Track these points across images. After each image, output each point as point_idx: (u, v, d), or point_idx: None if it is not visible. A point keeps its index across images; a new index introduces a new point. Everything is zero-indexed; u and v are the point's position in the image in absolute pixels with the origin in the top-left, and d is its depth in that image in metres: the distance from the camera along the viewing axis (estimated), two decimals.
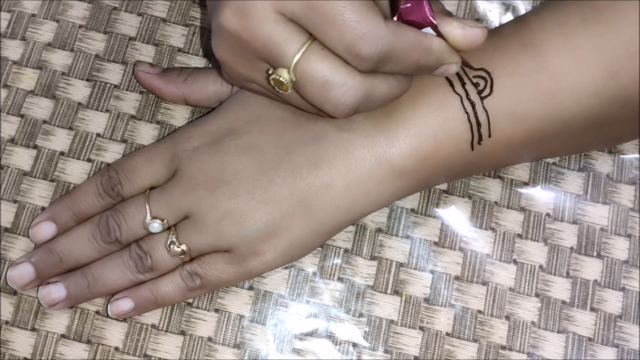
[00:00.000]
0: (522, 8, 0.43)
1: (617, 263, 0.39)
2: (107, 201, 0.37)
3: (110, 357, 0.37)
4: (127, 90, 0.41)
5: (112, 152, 0.40)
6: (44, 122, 0.41)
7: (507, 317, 0.38)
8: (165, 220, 0.36)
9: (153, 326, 0.38)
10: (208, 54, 0.42)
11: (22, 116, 0.41)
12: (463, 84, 0.35)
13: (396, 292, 0.39)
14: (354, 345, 0.38)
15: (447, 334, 0.38)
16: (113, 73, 0.41)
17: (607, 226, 0.40)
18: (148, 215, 0.36)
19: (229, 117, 0.37)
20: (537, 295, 0.39)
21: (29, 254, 0.38)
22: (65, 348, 0.37)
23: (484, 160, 0.36)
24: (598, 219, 0.40)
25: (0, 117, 0.40)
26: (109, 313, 0.37)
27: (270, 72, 0.32)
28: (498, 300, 0.39)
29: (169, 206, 0.36)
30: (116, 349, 0.37)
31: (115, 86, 0.41)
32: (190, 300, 0.38)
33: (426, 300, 0.38)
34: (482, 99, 0.34)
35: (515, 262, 0.39)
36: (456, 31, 0.31)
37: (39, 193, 0.39)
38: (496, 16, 0.43)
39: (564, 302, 0.39)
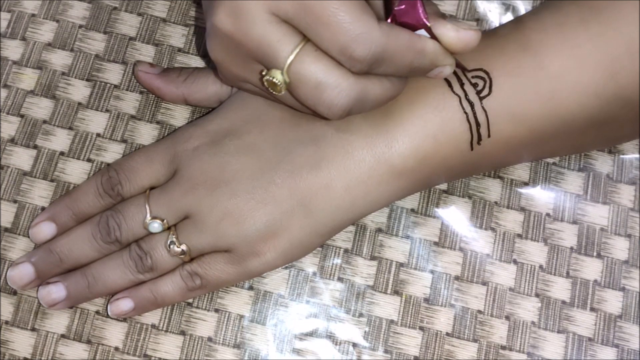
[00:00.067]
0: (522, 8, 0.43)
1: (617, 263, 0.39)
2: (107, 201, 0.37)
3: (110, 357, 0.37)
4: (127, 90, 0.41)
5: (112, 152, 0.40)
6: (44, 122, 0.41)
7: (507, 317, 0.38)
8: (165, 220, 0.36)
9: (153, 326, 0.38)
10: (207, 54, 0.42)
11: (22, 116, 0.41)
12: (462, 85, 0.35)
13: (396, 292, 0.39)
14: (354, 345, 0.38)
15: (447, 334, 0.38)
16: (113, 73, 0.41)
17: (607, 226, 0.40)
18: (148, 215, 0.36)
19: (228, 117, 0.37)
20: (537, 295, 0.39)
21: (29, 254, 0.38)
22: (65, 348, 0.37)
23: (484, 160, 0.36)
24: (598, 219, 0.40)
25: (0, 117, 0.40)
26: (109, 313, 0.37)
27: (263, 73, 0.32)
28: (498, 300, 0.39)
29: (169, 206, 0.36)
30: (116, 349, 0.37)
31: (115, 86, 0.41)
32: (190, 300, 0.38)
33: (426, 300, 0.38)
34: (481, 99, 0.34)
35: (515, 262, 0.39)
36: (450, 33, 0.31)
37: (39, 193, 0.39)
38: (496, 16, 0.43)
39: (564, 302, 0.39)
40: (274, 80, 0.31)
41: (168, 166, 0.37)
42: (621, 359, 0.38)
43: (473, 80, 0.35)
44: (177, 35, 0.42)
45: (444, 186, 0.40)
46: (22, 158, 0.40)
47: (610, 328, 0.38)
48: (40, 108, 0.41)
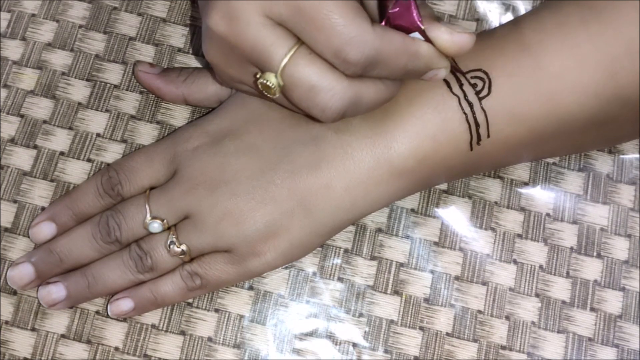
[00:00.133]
0: (522, 8, 0.43)
1: (617, 263, 0.39)
2: (107, 201, 0.37)
3: (110, 357, 0.37)
4: (127, 90, 0.41)
5: (112, 152, 0.40)
6: (44, 122, 0.41)
7: (507, 317, 0.38)
8: (165, 221, 0.36)
9: (153, 326, 0.38)
10: None
11: (22, 116, 0.41)
12: (461, 85, 0.35)
13: (396, 292, 0.39)
14: (354, 345, 0.38)
15: (447, 334, 0.38)
16: (113, 73, 0.41)
17: (607, 226, 0.40)
18: (148, 215, 0.36)
19: (228, 117, 0.37)
20: (537, 295, 0.39)
21: (29, 254, 0.38)
22: (65, 348, 0.37)
23: (483, 160, 0.36)
24: (598, 219, 0.40)
25: (0, 117, 0.40)
26: (109, 313, 0.37)
27: (257, 76, 0.32)
28: (498, 300, 0.39)
29: (169, 206, 0.36)
30: (116, 349, 0.37)
31: (115, 86, 0.41)
32: (190, 300, 0.38)
33: (426, 300, 0.38)
34: (480, 99, 0.34)
35: (515, 262, 0.39)
36: (444, 36, 0.31)
37: (39, 193, 0.39)
38: (496, 16, 0.43)
39: (564, 302, 0.39)
40: (268, 83, 0.31)
41: (168, 166, 0.37)
42: (621, 359, 0.38)
43: (472, 81, 0.35)
44: (177, 35, 0.42)
45: (444, 186, 0.40)
46: (22, 158, 0.40)
47: (610, 328, 0.38)
48: (40, 108, 0.41)
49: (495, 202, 0.40)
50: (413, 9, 0.30)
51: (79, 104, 0.41)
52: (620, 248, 0.40)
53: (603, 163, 0.41)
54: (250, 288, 0.38)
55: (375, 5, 0.32)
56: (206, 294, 0.38)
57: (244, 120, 0.37)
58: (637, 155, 0.41)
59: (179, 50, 0.42)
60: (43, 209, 0.39)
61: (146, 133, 0.41)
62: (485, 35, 0.36)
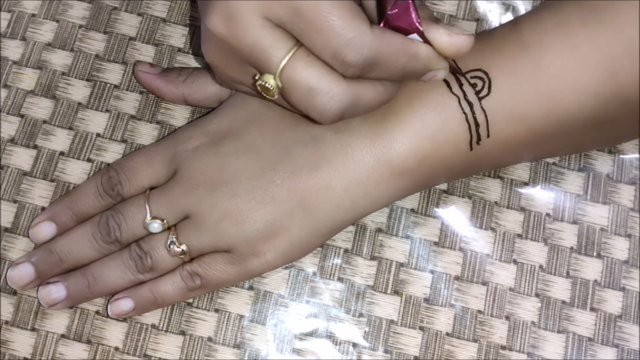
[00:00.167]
0: (522, 8, 0.43)
1: (617, 263, 0.39)
2: (107, 201, 0.37)
3: (110, 357, 0.37)
4: (127, 90, 0.41)
5: (112, 152, 0.40)
6: (44, 122, 0.41)
7: (507, 317, 0.38)
8: (165, 221, 0.36)
9: (153, 326, 0.38)
10: None
11: (22, 116, 0.41)
12: (460, 85, 0.35)
13: (396, 292, 0.39)
14: (354, 345, 0.38)
15: (447, 334, 0.38)
16: (113, 73, 0.41)
17: (607, 226, 0.40)
18: (148, 215, 0.36)
19: (228, 117, 0.37)
20: (537, 295, 0.39)
21: (29, 254, 0.38)
22: (65, 348, 0.37)
23: (483, 160, 0.36)
24: (598, 219, 0.40)
25: (0, 117, 0.40)
26: (109, 313, 0.37)
27: (256, 77, 0.32)
28: (498, 300, 0.39)
29: (169, 206, 0.36)
30: (116, 349, 0.37)
31: (115, 86, 0.41)
32: (190, 300, 0.38)
33: (426, 300, 0.38)
34: (480, 99, 0.34)
35: (515, 262, 0.39)
36: (443, 38, 0.31)
37: (39, 193, 0.39)
38: (496, 16, 0.43)
39: (564, 302, 0.39)
40: (267, 85, 0.31)
41: (168, 166, 0.37)
42: (621, 359, 0.38)
43: (472, 81, 0.35)
44: (177, 35, 0.42)
45: (444, 186, 0.40)
46: (22, 158, 0.40)
47: (610, 328, 0.38)
48: (40, 108, 0.41)
49: (495, 202, 0.40)
50: (411, 11, 0.30)
51: (79, 104, 0.41)
52: (620, 248, 0.40)
53: (603, 163, 0.41)
54: (250, 288, 0.38)
55: (373, 6, 0.32)
56: (206, 294, 0.38)
57: (244, 120, 0.37)
58: (637, 155, 0.41)
59: (179, 50, 0.42)
60: (43, 209, 0.39)
61: (146, 133, 0.41)
62: (485, 35, 0.36)
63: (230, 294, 0.38)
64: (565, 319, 0.38)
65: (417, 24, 0.30)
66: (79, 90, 0.41)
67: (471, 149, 0.35)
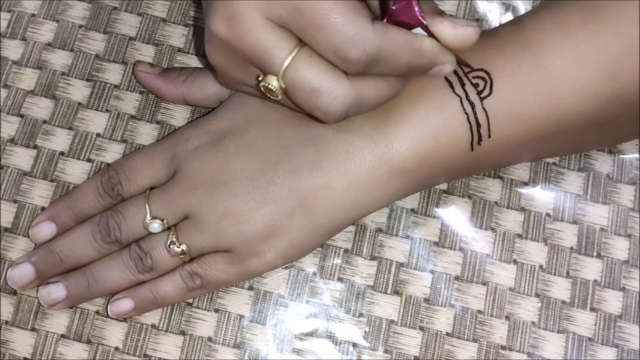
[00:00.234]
0: (522, 8, 0.43)
1: (617, 263, 0.39)
2: (107, 201, 0.37)
3: (110, 357, 0.37)
4: (127, 90, 0.41)
5: (112, 152, 0.40)
6: (44, 122, 0.41)
7: (507, 317, 0.38)
8: (165, 221, 0.36)
9: (153, 326, 0.38)
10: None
11: (22, 116, 0.41)
12: (462, 85, 0.35)
13: (396, 292, 0.39)
14: (354, 345, 0.38)
15: (447, 334, 0.38)
16: (113, 73, 0.41)
17: (607, 226, 0.40)
18: (148, 215, 0.36)
19: (228, 117, 0.37)
20: (537, 295, 0.39)
21: (29, 254, 0.38)
22: (65, 348, 0.37)
23: (484, 160, 0.36)
24: (598, 219, 0.40)
25: (0, 117, 0.40)
26: (109, 313, 0.37)
27: (260, 78, 0.32)
28: (498, 300, 0.39)
29: (169, 206, 0.36)
30: (116, 349, 0.37)
31: (115, 86, 0.41)
32: (190, 300, 0.38)
33: (426, 300, 0.38)
34: (481, 99, 0.34)
35: (515, 262, 0.39)
36: (447, 30, 0.31)
37: (39, 193, 0.39)
38: (496, 16, 0.43)
39: (564, 302, 0.39)
40: (270, 86, 0.31)
41: (168, 166, 0.37)
42: (621, 359, 0.38)
43: (474, 81, 0.35)
44: (177, 35, 0.42)
45: (444, 186, 0.40)
46: (22, 158, 0.40)
47: (610, 328, 0.38)
48: (40, 108, 0.41)
49: (495, 202, 0.40)
50: (414, 5, 0.30)
51: (79, 104, 0.41)
52: (620, 248, 0.40)
53: (603, 163, 0.41)
54: (250, 288, 0.38)
55: (376, 2, 0.32)
56: (206, 294, 0.38)
57: (244, 120, 0.37)
58: (637, 155, 0.41)
59: (179, 50, 0.42)
60: (43, 209, 0.39)
61: (146, 133, 0.41)
62: (486, 35, 0.36)
63: (230, 294, 0.38)
64: (565, 319, 0.38)
65: (420, 18, 0.30)
66: (79, 90, 0.41)
67: (472, 149, 0.35)
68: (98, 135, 0.40)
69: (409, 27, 0.31)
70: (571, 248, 0.40)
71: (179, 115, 0.41)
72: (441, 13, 0.31)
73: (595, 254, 0.39)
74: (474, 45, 0.31)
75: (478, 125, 0.35)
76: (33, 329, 0.38)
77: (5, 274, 0.38)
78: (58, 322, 0.38)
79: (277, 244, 0.36)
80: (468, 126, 0.35)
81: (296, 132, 0.36)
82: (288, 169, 0.35)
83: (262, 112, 0.36)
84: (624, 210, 0.40)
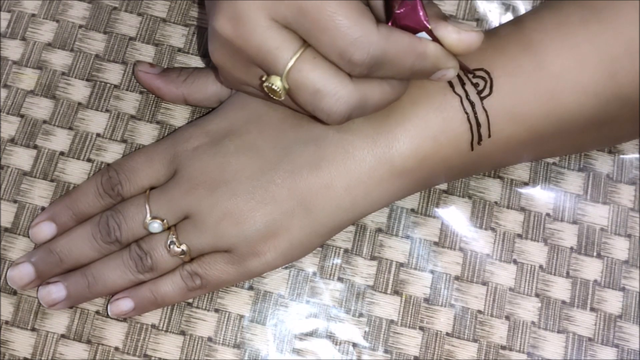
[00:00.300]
0: (522, 8, 0.43)
1: (617, 263, 0.39)
2: (107, 201, 0.37)
3: (110, 357, 0.37)
4: (127, 90, 0.41)
5: (112, 152, 0.40)
6: (44, 122, 0.41)
7: (507, 317, 0.38)
8: (165, 221, 0.36)
9: (153, 326, 0.38)
10: (207, 54, 0.42)
11: (22, 116, 0.41)
12: (463, 85, 0.35)
13: (396, 292, 0.39)
14: (354, 345, 0.38)
15: (447, 334, 0.38)
16: (113, 73, 0.41)
17: (607, 226, 0.40)
18: (148, 215, 0.36)
19: (228, 117, 0.37)
20: (537, 295, 0.39)
21: (29, 254, 0.38)
22: (65, 348, 0.37)
23: (484, 160, 0.36)
24: (598, 219, 0.40)
25: (0, 117, 0.40)
26: (109, 313, 0.37)
27: (263, 79, 0.32)
28: (498, 300, 0.39)
29: (169, 206, 0.36)
30: (116, 349, 0.37)
31: (115, 86, 0.41)
32: (190, 300, 0.38)
33: (426, 300, 0.38)
34: (481, 99, 0.34)
35: (515, 262, 0.39)
36: (452, 35, 0.31)
37: (39, 193, 0.39)
38: (496, 16, 0.43)
39: (564, 302, 0.39)
40: (274, 86, 0.31)
41: (168, 166, 0.37)
42: (621, 359, 0.38)
43: (474, 81, 0.35)
44: (177, 35, 0.42)
45: (444, 186, 0.40)
46: (22, 158, 0.40)
47: (610, 328, 0.38)
48: (40, 108, 0.41)
49: (495, 202, 0.40)
50: (419, 9, 0.30)
51: (79, 104, 0.41)
52: (620, 248, 0.40)
53: (603, 163, 0.41)
54: (250, 288, 0.38)
55: (381, 5, 0.32)
56: (206, 294, 0.38)
57: (244, 120, 0.37)
58: (637, 155, 0.41)
59: (179, 50, 0.42)
60: (43, 209, 0.39)
61: (146, 133, 0.41)
62: (487, 35, 0.36)
63: (230, 294, 0.38)
64: (565, 319, 0.38)
65: (425, 22, 0.30)
66: (79, 90, 0.41)
67: (472, 149, 0.35)
68: (98, 135, 0.40)
69: (413, 31, 0.31)
70: (571, 248, 0.40)
71: (179, 115, 0.41)
72: (445, 18, 0.31)
73: (595, 254, 0.39)
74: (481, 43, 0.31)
75: (478, 125, 0.35)
76: (33, 329, 0.38)
77: (5, 274, 0.38)
78: (58, 322, 0.38)
79: (277, 244, 0.36)
80: (468, 126, 0.35)
81: (296, 132, 0.36)
82: (288, 169, 0.35)
83: (262, 112, 0.36)
84: (624, 210, 0.40)
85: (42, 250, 0.37)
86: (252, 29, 0.30)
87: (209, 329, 0.38)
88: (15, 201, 0.39)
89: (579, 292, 0.39)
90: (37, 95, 0.41)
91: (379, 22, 0.30)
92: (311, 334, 0.38)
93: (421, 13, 0.30)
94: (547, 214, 0.40)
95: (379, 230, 0.39)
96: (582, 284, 0.39)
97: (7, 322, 0.38)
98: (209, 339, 0.38)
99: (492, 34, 0.36)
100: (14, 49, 0.42)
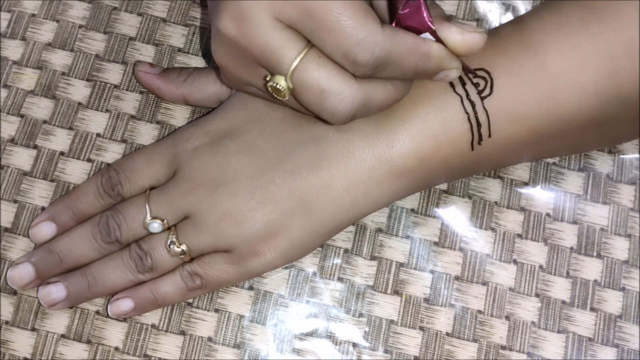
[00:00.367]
0: (522, 8, 0.43)
1: (617, 263, 0.39)
2: (107, 201, 0.37)
3: (110, 357, 0.37)
4: (127, 90, 0.41)
5: (112, 152, 0.40)
6: (44, 122, 0.41)
7: (507, 317, 0.38)
8: (165, 221, 0.36)
9: (153, 326, 0.38)
10: (207, 54, 0.42)
11: (22, 116, 0.41)
12: (463, 84, 0.35)
13: (396, 292, 0.39)
14: (354, 345, 0.38)
15: (447, 334, 0.38)
16: (113, 73, 0.41)
17: (607, 226, 0.40)
18: (148, 215, 0.36)
19: (228, 117, 0.37)
20: (537, 295, 0.39)
21: (29, 254, 0.38)
22: (65, 348, 0.37)
23: (484, 160, 0.36)
24: (598, 219, 0.40)
25: (0, 117, 0.40)
26: (109, 313, 0.37)
27: (267, 79, 0.32)
28: (498, 300, 0.39)
29: (169, 206, 0.36)
30: (116, 349, 0.37)
31: (115, 86, 0.41)
32: (190, 300, 0.38)
33: (426, 300, 0.38)
34: (482, 99, 0.34)
35: (515, 262, 0.39)
36: (455, 36, 0.31)
37: (39, 193, 0.39)
38: (496, 16, 0.43)
39: (564, 302, 0.39)
40: (278, 86, 0.31)
41: (168, 166, 0.37)
42: (621, 359, 0.38)
43: (474, 80, 0.35)
44: (177, 35, 0.42)
45: (444, 186, 0.40)
46: (22, 158, 0.40)
47: (610, 328, 0.38)
48: (40, 108, 0.41)
49: (495, 202, 0.40)
50: (423, 10, 0.30)
51: (79, 104, 0.41)
52: (620, 248, 0.40)
53: (603, 163, 0.41)
54: (250, 288, 0.38)
55: (385, 6, 0.32)
56: (206, 294, 0.38)
57: (245, 120, 0.37)
58: (637, 155, 0.41)
59: (179, 50, 0.42)
60: (43, 209, 0.39)
61: (146, 133, 0.41)
62: (487, 35, 0.36)
63: (230, 294, 0.38)
64: (565, 319, 0.38)
65: (429, 23, 0.30)
66: (79, 90, 0.41)
67: (472, 149, 0.35)
68: (98, 135, 0.40)
69: (417, 31, 0.31)
70: (571, 248, 0.40)
71: (179, 115, 0.41)
72: (449, 19, 0.31)
73: (595, 254, 0.39)
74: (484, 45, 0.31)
75: (478, 124, 0.35)
76: (33, 329, 0.38)
77: (5, 274, 0.38)
78: (58, 322, 0.38)
79: (277, 244, 0.36)
80: (468, 126, 0.35)
81: (297, 132, 0.36)
82: (288, 169, 0.35)
83: (263, 112, 0.36)
84: (624, 210, 0.40)
85: (42, 250, 0.37)
86: (257, 29, 0.30)
87: (209, 329, 0.38)
88: (15, 201, 0.39)
89: (579, 292, 0.39)
90: (37, 95, 0.41)
91: (383, 23, 0.30)
92: (311, 334, 0.38)
93: (425, 14, 0.30)
94: (547, 214, 0.40)
95: (379, 230, 0.39)
96: (582, 284, 0.39)
97: (7, 322, 0.38)
98: (209, 339, 0.38)
99: (492, 34, 0.36)
100: (14, 49, 0.42)
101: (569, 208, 0.40)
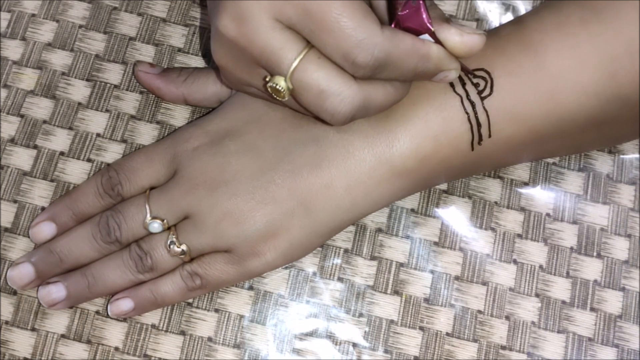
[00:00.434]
0: (522, 8, 0.43)
1: (617, 263, 0.39)
2: (107, 201, 0.37)
3: (110, 357, 0.37)
4: (127, 90, 0.41)
5: (112, 152, 0.40)
6: (44, 122, 0.41)
7: (507, 317, 0.38)
8: (165, 221, 0.36)
9: (153, 326, 0.38)
10: (207, 54, 0.42)
11: (22, 116, 0.41)
12: (463, 85, 0.35)
13: (396, 292, 0.39)
14: (354, 345, 0.38)
15: (447, 334, 0.38)
16: (113, 73, 0.41)
17: (607, 226, 0.40)
18: (148, 215, 0.36)
19: (228, 117, 0.37)
20: (537, 295, 0.39)
21: (29, 254, 0.38)
22: (65, 348, 0.37)
23: (484, 160, 0.36)
24: (598, 219, 0.40)
25: (0, 117, 0.40)
26: (109, 313, 0.37)
27: (267, 79, 0.32)
28: (498, 300, 0.39)
29: (169, 206, 0.36)
30: (116, 349, 0.37)
31: (115, 86, 0.41)
32: (190, 300, 0.38)
33: (426, 300, 0.38)
34: (482, 99, 0.35)
35: (515, 262, 0.39)
36: (454, 38, 0.31)
37: (39, 193, 0.39)
38: (496, 16, 0.43)
39: (564, 302, 0.39)
40: (277, 87, 0.31)
41: (168, 166, 0.37)
42: (621, 359, 0.38)
43: (474, 80, 0.35)
44: (177, 35, 0.42)
45: (444, 186, 0.40)
46: (22, 158, 0.40)
47: (610, 328, 0.38)
48: (40, 108, 0.41)
49: (495, 202, 0.40)
50: (422, 11, 0.30)
51: (79, 104, 0.41)
52: (620, 248, 0.40)
53: (603, 163, 0.41)
54: (250, 288, 0.38)
55: (384, 7, 0.32)
56: (206, 294, 0.38)
57: (245, 120, 0.37)
58: (637, 155, 0.41)
59: (179, 50, 0.42)
60: (43, 209, 0.39)
61: (146, 133, 0.41)
62: (487, 35, 0.36)
63: (230, 294, 0.38)
64: (565, 319, 0.38)
65: (428, 25, 0.30)
66: (79, 90, 0.41)
67: (472, 149, 0.35)
68: (98, 135, 0.40)
69: (417, 33, 0.31)
70: (571, 248, 0.40)
71: (179, 115, 0.41)
72: (448, 20, 0.31)
73: (595, 254, 0.39)
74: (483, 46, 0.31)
75: (478, 124, 0.35)
76: (33, 329, 0.38)
77: (5, 274, 0.38)
78: (58, 322, 0.38)
79: (277, 244, 0.36)
80: (468, 126, 0.35)
81: (297, 132, 0.36)
82: (288, 169, 0.35)
83: (262, 112, 0.37)
84: (624, 210, 0.40)
85: (42, 250, 0.37)
86: (256, 29, 0.30)
87: (209, 329, 0.38)
88: (15, 201, 0.39)
89: (579, 292, 0.39)
90: (37, 95, 0.41)
91: (383, 24, 0.30)
92: (311, 334, 0.38)
93: (424, 15, 0.30)
94: (547, 214, 0.40)
95: (379, 230, 0.39)
96: (582, 284, 0.39)
97: (7, 322, 0.38)
98: (209, 339, 0.38)
99: (492, 34, 0.36)
100: (14, 49, 0.42)
101: (569, 208, 0.40)
